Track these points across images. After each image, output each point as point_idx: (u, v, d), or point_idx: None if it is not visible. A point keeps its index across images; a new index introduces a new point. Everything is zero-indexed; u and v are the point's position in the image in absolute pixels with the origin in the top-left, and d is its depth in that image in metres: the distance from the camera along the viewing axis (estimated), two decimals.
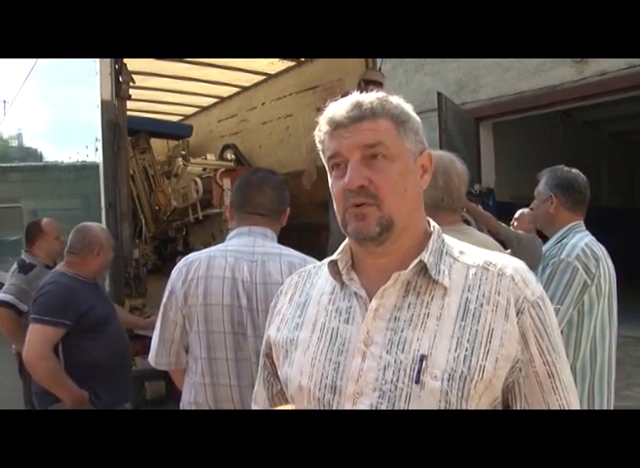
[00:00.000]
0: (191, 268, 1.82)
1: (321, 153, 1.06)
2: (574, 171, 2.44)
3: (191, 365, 1.84)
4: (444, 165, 1.91)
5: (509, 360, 0.95)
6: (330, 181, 1.04)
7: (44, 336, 2.63)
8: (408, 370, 0.94)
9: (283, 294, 1.19)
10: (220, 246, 1.92)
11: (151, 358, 1.88)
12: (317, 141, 1.06)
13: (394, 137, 1.00)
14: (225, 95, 6.82)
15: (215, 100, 7.00)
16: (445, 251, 1.04)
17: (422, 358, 0.94)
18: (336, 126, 1.00)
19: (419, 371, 0.93)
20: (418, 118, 1.05)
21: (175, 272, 1.86)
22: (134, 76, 3.89)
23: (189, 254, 1.92)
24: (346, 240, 1.09)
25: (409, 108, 1.04)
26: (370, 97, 1.01)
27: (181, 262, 1.88)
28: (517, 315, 0.96)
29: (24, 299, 3.50)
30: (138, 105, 6.22)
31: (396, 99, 1.04)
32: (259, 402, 1.23)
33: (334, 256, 1.09)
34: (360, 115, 0.99)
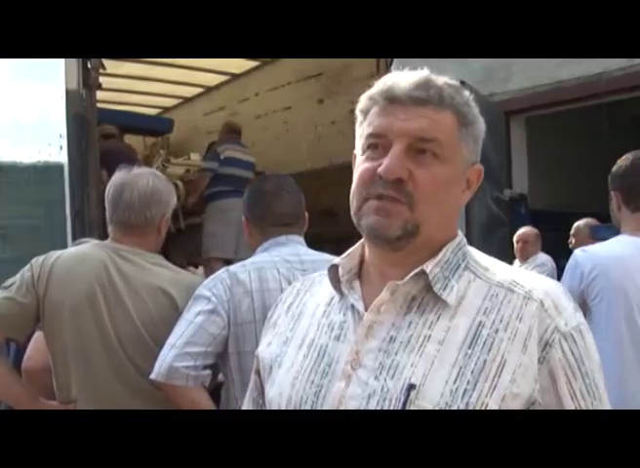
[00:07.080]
0: (239, 281, 1.86)
1: (357, 123, 1.03)
2: None
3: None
4: None
5: (521, 400, 0.91)
6: (357, 160, 1.02)
7: None
8: (393, 401, 0.92)
9: (281, 303, 1.18)
10: (261, 255, 1.98)
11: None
12: (358, 109, 1.03)
13: (453, 137, 0.97)
14: (212, 84, 6.87)
15: (200, 90, 7.03)
16: (464, 265, 1.00)
17: (410, 387, 0.92)
18: (392, 100, 0.97)
19: (404, 403, 0.91)
20: (483, 125, 1.03)
21: (218, 284, 1.87)
22: (104, 62, 3.89)
23: (230, 266, 1.98)
24: (359, 243, 1.06)
25: (477, 110, 1.02)
26: (441, 81, 0.98)
27: (224, 273, 1.91)
28: (545, 348, 0.92)
29: None
30: (109, 96, 6.25)
31: (468, 96, 1.01)
32: None
33: (336, 260, 1.06)
34: (425, 98, 0.95)
